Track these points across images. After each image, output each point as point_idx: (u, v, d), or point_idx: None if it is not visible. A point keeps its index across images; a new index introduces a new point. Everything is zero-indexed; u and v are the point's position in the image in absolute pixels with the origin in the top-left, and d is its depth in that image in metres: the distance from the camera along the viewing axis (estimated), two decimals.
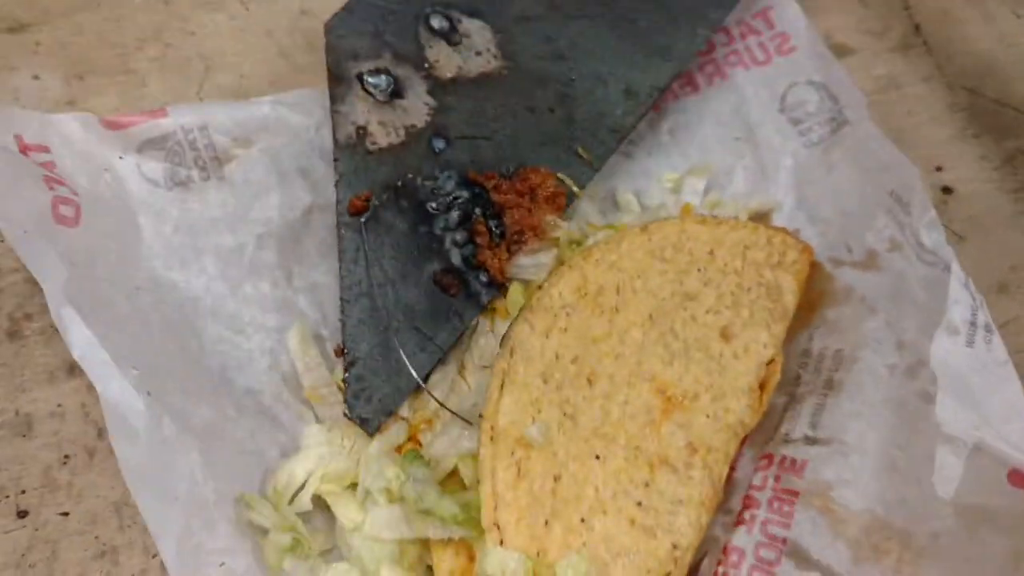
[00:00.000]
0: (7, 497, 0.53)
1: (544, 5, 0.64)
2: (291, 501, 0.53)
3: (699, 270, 0.57)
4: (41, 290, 0.49)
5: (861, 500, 0.51)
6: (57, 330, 0.48)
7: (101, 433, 0.55)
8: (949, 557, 0.48)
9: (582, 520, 0.49)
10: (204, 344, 0.56)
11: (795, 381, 0.57)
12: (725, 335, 0.56)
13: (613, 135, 0.61)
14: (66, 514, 0.53)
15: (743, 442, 0.55)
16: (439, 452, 0.52)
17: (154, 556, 0.52)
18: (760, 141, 0.66)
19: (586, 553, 0.48)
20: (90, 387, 0.49)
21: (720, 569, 0.51)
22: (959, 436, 0.48)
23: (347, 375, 0.53)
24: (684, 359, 0.54)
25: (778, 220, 0.64)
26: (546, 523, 0.49)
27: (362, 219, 0.56)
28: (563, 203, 0.58)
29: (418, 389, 0.54)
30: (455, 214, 0.57)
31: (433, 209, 0.58)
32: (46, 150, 0.55)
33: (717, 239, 0.58)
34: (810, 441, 0.54)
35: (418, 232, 0.57)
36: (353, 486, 0.54)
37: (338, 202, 0.56)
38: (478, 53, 0.62)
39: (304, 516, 0.53)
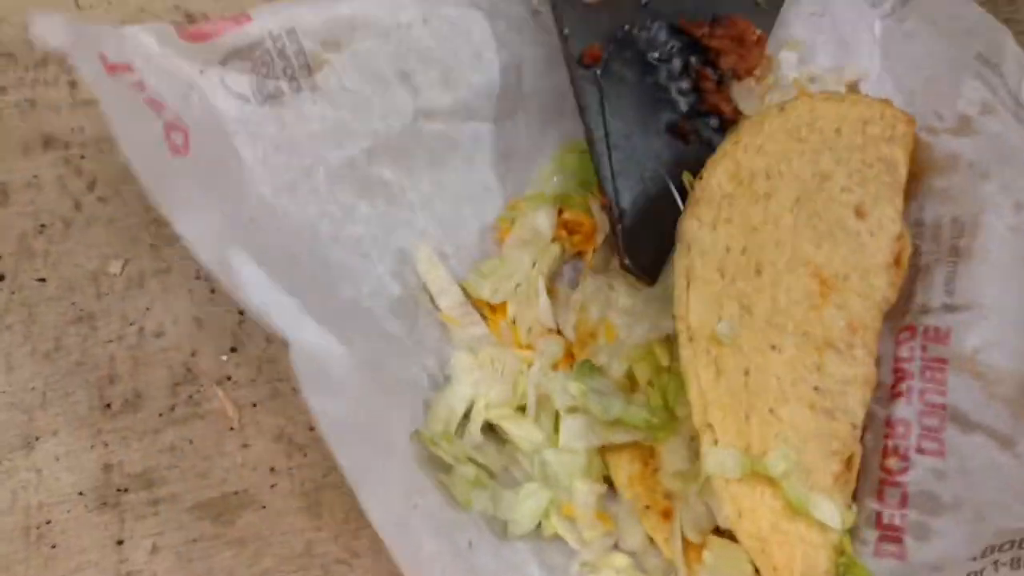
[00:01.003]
0: None
1: None
2: (458, 433, 0.51)
3: (830, 148, 0.56)
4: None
5: (1010, 360, 0.53)
6: (33, 104, 0.44)
7: (78, 205, 0.54)
8: None
9: (770, 411, 0.50)
10: (333, 273, 0.51)
11: (915, 252, 0.59)
12: (860, 213, 0.56)
13: None
14: (43, 280, 0.53)
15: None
16: (636, 338, 0.50)
17: (132, 323, 0.52)
18: (836, 15, 0.65)
19: (788, 443, 0.49)
20: (67, 160, 0.46)
21: (889, 443, 0.53)
22: None
23: (620, 227, 0.52)
24: (830, 240, 0.54)
25: (865, 93, 0.64)
26: (746, 417, 0.49)
27: (596, 70, 0.54)
28: (766, 48, 0.58)
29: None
30: (676, 62, 0.57)
31: (655, 59, 0.56)
32: (130, 69, 0.48)
33: (842, 115, 0.57)
34: (949, 308, 0.55)
35: (645, 83, 0.56)
36: (520, 408, 0.52)
37: (571, 57, 0.54)
38: None
39: (478, 448, 0.51)
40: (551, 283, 0.55)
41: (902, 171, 0.59)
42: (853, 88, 0.63)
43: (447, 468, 0.49)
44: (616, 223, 0.52)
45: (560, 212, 0.56)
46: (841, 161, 0.57)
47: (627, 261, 0.51)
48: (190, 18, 0.61)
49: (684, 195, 0.53)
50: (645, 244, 0.52)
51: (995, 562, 0.45)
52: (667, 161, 0.55)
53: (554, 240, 0.55)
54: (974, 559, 0.46)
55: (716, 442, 0.47)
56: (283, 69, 0.53)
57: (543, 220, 0.55)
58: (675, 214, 0.51)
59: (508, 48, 0.58)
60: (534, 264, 0.54)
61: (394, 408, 0.48)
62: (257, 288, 0.42)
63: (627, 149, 0.54)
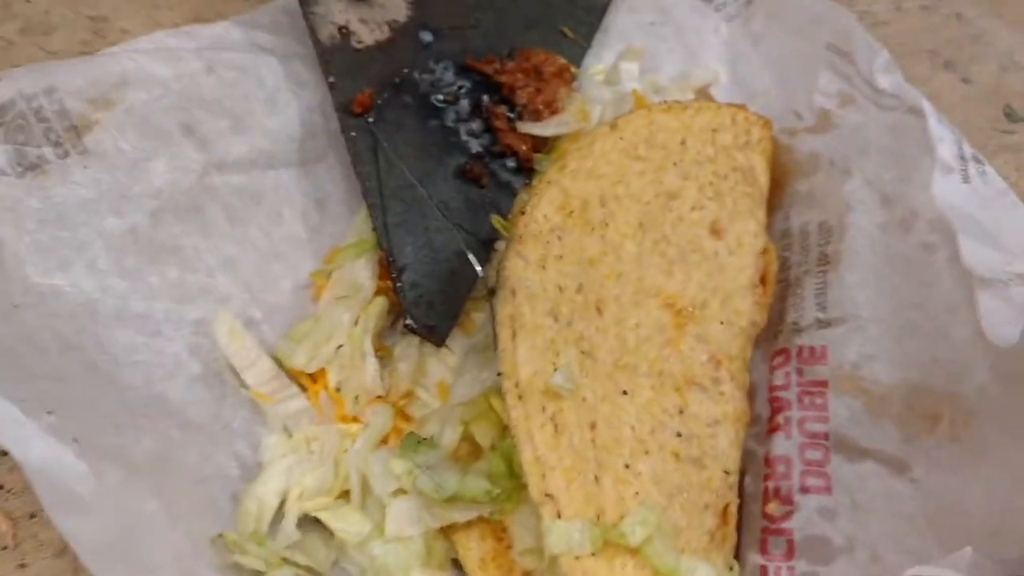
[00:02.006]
0: None
1: None
2: (272, 532, 0.44)
3: (675, 164, 0.51)
4: None
5: (892, 372, 0.48)
6: None
7: None
8: (1002, 411, 0.45)
9: (626, 466, 0.44)
10: (117, 358, 0.45)
11: (784, 266, 0.53)
12: (715, 231, 0.51)
13: (592, 12, 0.59)
14: None
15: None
16: (465, 394, 0.44)
17: None
18: (678, 22, 0.61)
19: (648, 502, 0.42)
20: None
21: (770, 485, 0.47)
22: (994, 278, 0.44)
23: (400, 284, 0.47)
24: (683, 265, 0.49)
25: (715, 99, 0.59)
26: (596, 479, 0.42)
27: (368, 118, 0.50)
28: (570, 77, 0.55)
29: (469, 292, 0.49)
30: (465, 103, 0.53)
31: (440, 101, 0.53)
32: None
33: (685, 126, 0.52)
34: (823, 324, 0.50)
35: (429, 127, 0.52)
36: (343, 494, 0.45)
37: (338, 105, 0.50)
38: None
39: (296, 545, 0.44)
40: (379, 342, 0.49)
41: (763, 179, 0.54)
42: (703, 95, 0.59)
43: (258, 574, 0.42)
44: (395, 281, 0.47)
45: (382, 261, 0.49)
46: (689, 176, 0.51)
47: (408, 321, 0.47)
48: None
49: (479, 242, 0.48)
50: (433, 300, 0.48)
51: None
52: (457, 208, 0.50)
53: (378, 293, 0.49)
54: None
55: (559, 514, 0.41)
56: (44, 134, 0.46)
57: (363, 271, 0.49)
58: (467, 267, 0.48)
59: (307, 89, 0.52)
60: (356, 322, 0.48)
61: (183, 511, 0.41)
62: None
63: (408, 200, 0.49)
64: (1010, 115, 0.64)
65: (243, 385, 0.47)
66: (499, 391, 0.45)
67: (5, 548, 0.44)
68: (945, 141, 0.49)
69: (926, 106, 0.50)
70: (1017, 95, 0.65)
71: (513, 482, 0.44)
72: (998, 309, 0.44)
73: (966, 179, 0.48)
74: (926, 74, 0.64)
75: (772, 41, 0.59)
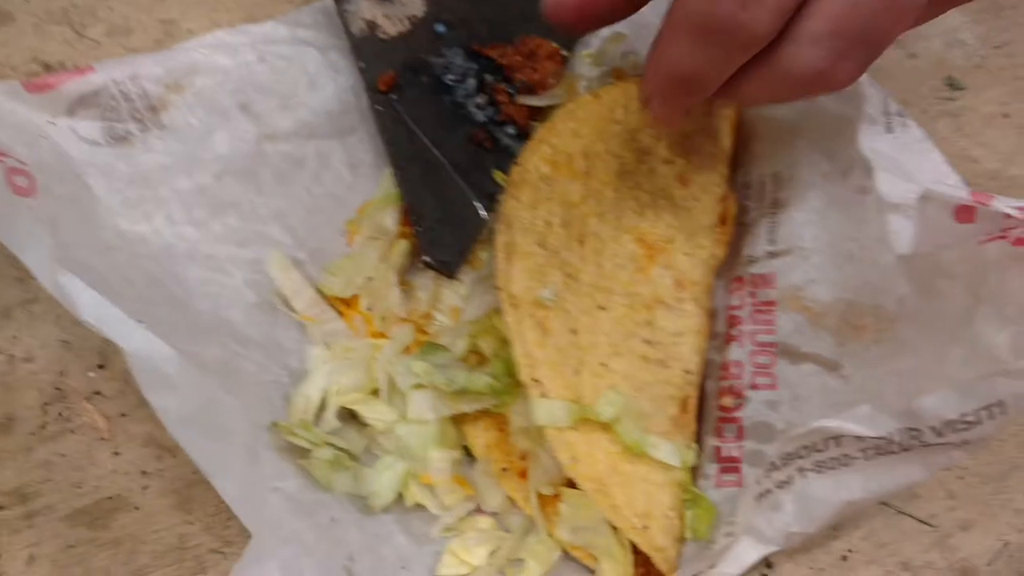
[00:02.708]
0: None
1: None
2: (316, 422, 0.54)
3: (648, 126, 0.61)
4: None
5: (831, 292, 0.57)
6: None
7: None
8: (917, 314, 0.54)
9: (602, 364, 0.53)
10: (190, 289, 0.55)
11: (743, 211, 0.63)
12: (683, 181, 0.60)
13: None
14: None
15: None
16: (472, 314, 0.55)
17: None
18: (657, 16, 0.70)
19: (620, 391, 0.52)
20: None
21: (725, 384, 0.56)
22: (903, 202, 0.53)
23: (418, 228, 0.57)
24: (654, 208, 0.59)
25: None
26: (575, 371, 0.52)
27: (393, 95, 0.60)
28: (561, 60, 0.64)
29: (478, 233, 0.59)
30: (472, 81, 0.62)
31: (451, 81, 0.62)
32: None
33: None
34: (772, 255, 0.59)
35: (442, 102, 0.62)
36: (374, 392, 0.55)
37: (368, 85, 0.61)
38: None
39: (335, 432, 0.54)
40: (403, 276, 0.59)
41: (726, 141, 0.63)
42: None
43: (306, 454, 0.52)
44: (415, 226, 0.58)
45: (405, 211, 0.60)
46: (660, 136, 0.61)
47: (425, 258, 0.57)
48: (48, 68, 0.65)
49: (485, 194, 0.59)
50: (446, 241, 0.58)
51: (800, 469, 0.49)
52: (467, 167, 0.61)
53: (401, 236, 0.59)
54: (775, 468, 0.49)
55: (544, 396, 0.50)
56: (130, 112, 0.57)
57: (388, 219, 0.59)
58: (474, 214, 0.59)
59: (342, 73, 0.63)
60: (384, 258, 0.58)
61: (246, 404, 0.51)
62: (88, 306, 0.46)
63: (425, 161, 0.60)
64: (952, 84, 0.73)
65: (292, 310, 0.57)
66: (500, 312, 0.55)
67: (103, 440, 0.55)
68: (871, 99, 0.58)
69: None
70: (958, 68, 0.73)
71: (511, 380, 0.54)
72: (903, 226, 0.53)
73: (889, 130, 0.58)
74: None
75: None
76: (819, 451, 0.48)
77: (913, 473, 0.47)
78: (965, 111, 0.72)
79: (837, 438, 0.48)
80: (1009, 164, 0.70)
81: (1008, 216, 0.46)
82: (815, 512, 0.49)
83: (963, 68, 0.73)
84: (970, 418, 0.46)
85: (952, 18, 0.75)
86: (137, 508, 0.52)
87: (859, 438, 0.47)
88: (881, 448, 0.47)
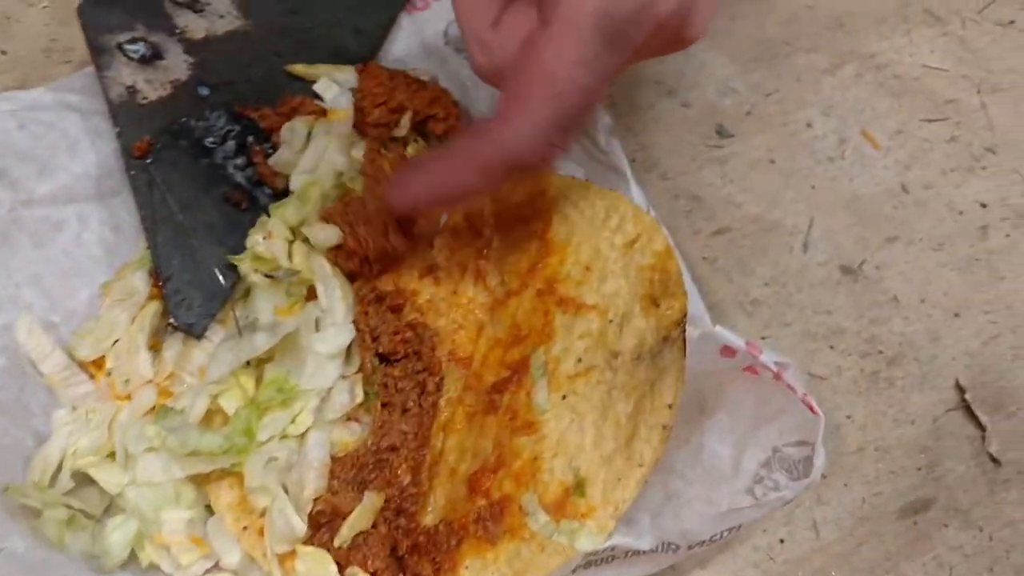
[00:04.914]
0: None
1: None
2: (53, 483, 0.55)
3: None
4: None
5: None
6: None
7: None
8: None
9: None
10: None
11: None
12: None
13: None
14: None
15: None
16: (216, 374, 0.57)
17: None
18: None
19: None
20: None
21: None
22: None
23: (165, 290, 0.59)
24: None
25: None
26: None
27: (147, 160, 0.62)
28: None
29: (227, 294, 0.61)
30: (231, 143, 0.65)
31: (211, 143, 0.64)
32: None
33: None
34: None
35: (201, 164, 0.63)
36: (111, 455, 0.57)
37: (123, 150, 0.63)
38: (221, 16, 0.70)
39: (72, 493, 0.56)
40: (156, 337, 0.61)
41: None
42: None
43: (39, 514, 0.54)
44: (163, 288, 0.59)
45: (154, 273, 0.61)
46: None
47: (171, 320, 0.59)
48: None
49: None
50: (194, 303, 0.60)
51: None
52: (223, 228, 0.62)
53: (152, 298, 0.61)
54: None
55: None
56: None
57: (139, 280, 0.61)
58: (226, 274, 0.61)
59: (104, 138, 0.65)
60: (133, 321, 0.60)
61: None
62: None
63: (177, 223, 0.62)
64: (720, 132, 0.76)
65: (40, 374, 0.59)
66: (245, 370, 0.58)
67: None
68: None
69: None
70: (729, 116, 0.77)
71: (248, 439, 0.55)
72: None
73: None
74: (651, 100, 0.77)
75: None
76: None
77: (649, 568, 0.54)
78: (732, 157, 0.75)
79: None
80: (772, 207, 0.73)
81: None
82: None
83: (733, 116, 0.77)
84: (716, 538, 0.53)
85: (725, 67, 0.79)
86: None
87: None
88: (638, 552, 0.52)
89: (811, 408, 0.54)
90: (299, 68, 0.69)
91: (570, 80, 0.46)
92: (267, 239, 0.60)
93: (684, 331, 0.55)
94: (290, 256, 0.61)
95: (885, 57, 0.81)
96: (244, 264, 0.60)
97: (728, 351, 0.55)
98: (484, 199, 0.63)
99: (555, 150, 0.49)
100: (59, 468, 0.56)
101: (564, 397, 0.56)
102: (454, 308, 0.62)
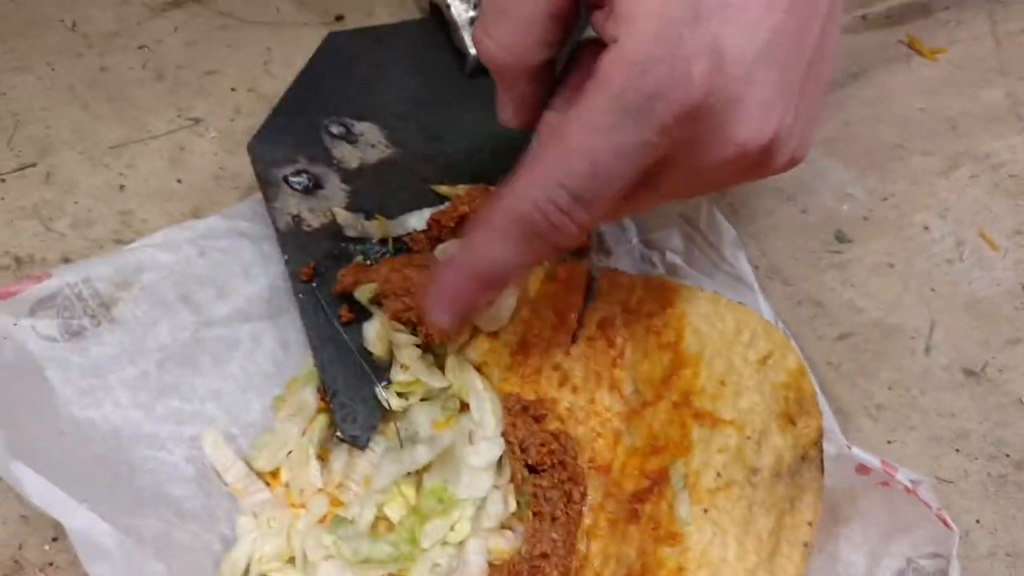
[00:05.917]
0: None
1: (411, 103, 0.80)
2: None
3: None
4: None
5: None
6: None
7: None
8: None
9: None
10: (134, 466, 0.63)
11: None
12: None
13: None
14: None
15: None
16: (380, 484, 0.62)
17: None
18: None
19: None
20: None
21: None
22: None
23: (332, 404, 0.64)
24: None
25: None
26: None
27: (313, 283, 0.68)
28: None
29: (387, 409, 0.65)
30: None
31: (368, 265, 0.70)
32: None
33: None
34: None
35: None
36: (291, 560, 0.62)
37: (291, 275, 0.69)
38: (372, 146, 0.76)
39: None
40: (323, 448, 0.67)
41: None
42: None
43: None
44: (329, 403, 0.64)
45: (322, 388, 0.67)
46: None
47: (338, 433, 0.64)
48: (19, 261, 0.75)
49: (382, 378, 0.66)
50: (358, 416, 0.65)
51: None
52: None
53: (320, 411, 0.67)
54: None
55: None
56: (83, 309, 0.66)
57: (309, 395, 0.67)
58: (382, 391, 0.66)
59: (274, 262, 0.71)
60: (304, 433, 0.66)
61: (176, 571, 0.58)
62: (34, 489, 0.55)
63: (339, 343, 0.67)
64: (839, 237, 0.80)
65: (224, 483, 0.65)
66: (407, 480, 0.63)
67: None
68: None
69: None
70: (847, 221, 0.80)
71: (413, 547, 0.61)
72: None
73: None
74: (771, 207, 0.81)
75: None
76: None
77: None
78: (852, 262, 0.78)
79: None
80: (893, 311, 0.76)
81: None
82: None
83: (851, 221, 0.80)
84: None
85: (841, 172, 0.82)
86: None
87: None
88: None
89: (946, 523, 0.57)
90: (444, 188, 0.74)
91: (578, 144, 0.49)
92: (403, 368, 0.66)
93: (822, 450, 0.59)
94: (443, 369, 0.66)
95: (1000, 157, 0.83)
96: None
97: (863, 469, 0.58)
98: (615, 308, 0.68)
99: (576, 218, 0.51)
100: (246, 572, 0.61)
101: (706, 511, 0.59)
102: (592, 417, 0.66)
